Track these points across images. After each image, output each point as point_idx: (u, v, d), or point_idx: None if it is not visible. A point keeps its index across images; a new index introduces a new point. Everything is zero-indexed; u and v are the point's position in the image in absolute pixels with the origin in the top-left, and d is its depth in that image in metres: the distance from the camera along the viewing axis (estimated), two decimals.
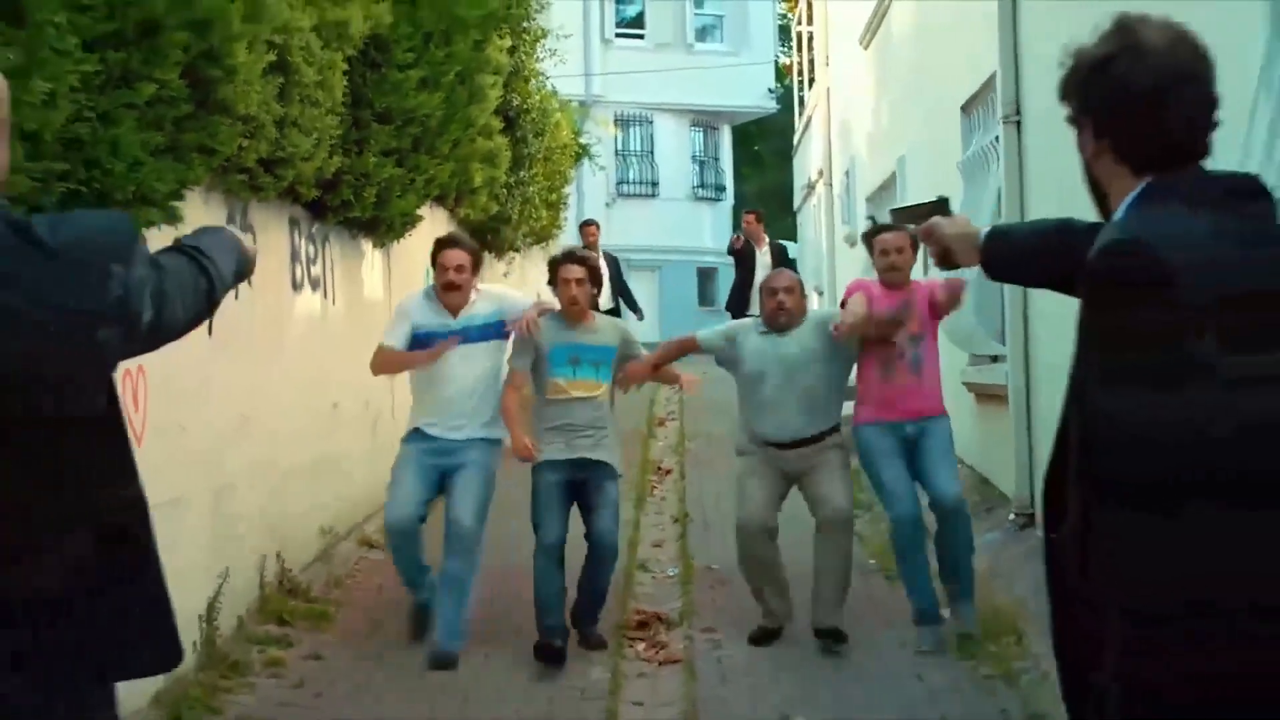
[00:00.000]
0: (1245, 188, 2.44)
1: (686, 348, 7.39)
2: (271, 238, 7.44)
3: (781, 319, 6.97)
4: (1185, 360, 2.23)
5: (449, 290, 6.94)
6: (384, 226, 9.34)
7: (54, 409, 2.21)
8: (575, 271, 6.99)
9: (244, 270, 2.83)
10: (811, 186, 23.23)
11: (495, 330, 7.03)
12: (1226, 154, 4.42)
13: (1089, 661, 2.50)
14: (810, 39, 23.05)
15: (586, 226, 15.50)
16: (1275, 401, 2.38)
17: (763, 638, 6.90)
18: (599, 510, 6.88)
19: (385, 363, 7.15)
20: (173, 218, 5.49)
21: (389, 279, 10.09)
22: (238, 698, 5.96)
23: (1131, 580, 2.31)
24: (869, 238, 7.16)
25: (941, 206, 3.52)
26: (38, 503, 2.18)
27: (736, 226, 20.64)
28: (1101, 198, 2.56)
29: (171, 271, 2.48)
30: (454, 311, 6.96)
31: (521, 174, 14.60)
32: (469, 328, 6.95)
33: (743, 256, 15.76)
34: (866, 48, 15.20)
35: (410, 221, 9.75)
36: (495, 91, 11.50)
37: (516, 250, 16.21)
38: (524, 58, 14.05)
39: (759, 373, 6.94)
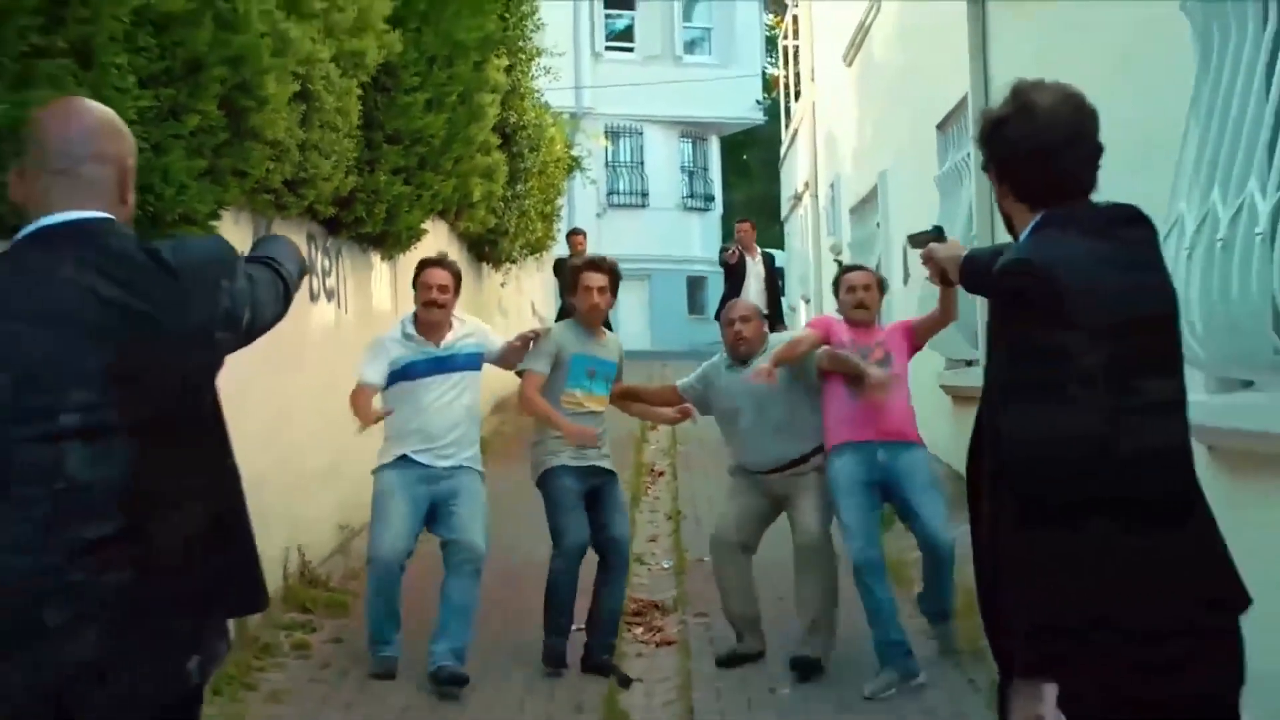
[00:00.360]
0: (1125, 215, 2.99)
1: (667, 398, 7.39)
2: None
3: (741, 348, 6.96)
4: (1080, 379, 2.74)
5: (430, 308, 6.76)
6: (392, 240, 9.88)
7: (192, 400, 2.77)
8: (598, 279, 6.90)
9: (303, 272, 3.39)
10: (798, 198, 23.77)
11: (476, 361, 6.92)
12: (1165, 172, 4.99)
13: (1006, 662, 2.99)
14: (797, 53, 23.62)
15: (574, 235, 15.71)
16: (1167, 426, 2.91)
17: (730, 660, 6.82)
18: (614, 515, 6.92)
19: (360, 408, 6.67)
20: (208, 233, 6.02)
21: (396, 290, 10.61)
22: (269, 675, 6.48)
23: (1036, 596, 2.75)
24: (837, 278, 7.18)
25: (939, 234, 4.08)
26: (178, 475, 2.73)
27: (726, 236, 20.63)
28: (1010, 226, 3.12)
29: (260, 281, 3.05)
30: (436, 339, 6.80)
31: (518, 188, 15.17)
32: (455, 355, 6.84)
33: (734, 267, 15.55)
34: (850, 65, 15.76)
35: (416, 235, 10.29)
36: (493, 110, 12.10)
37: (513, 261, 16.76)
38: (520, 76, 14.62)
39: (733, 409, 6.94)
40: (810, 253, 21.34)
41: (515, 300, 17.68)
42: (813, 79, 20.87)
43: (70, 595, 2.55)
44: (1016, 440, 2.80)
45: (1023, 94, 3.05)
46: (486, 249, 15.13)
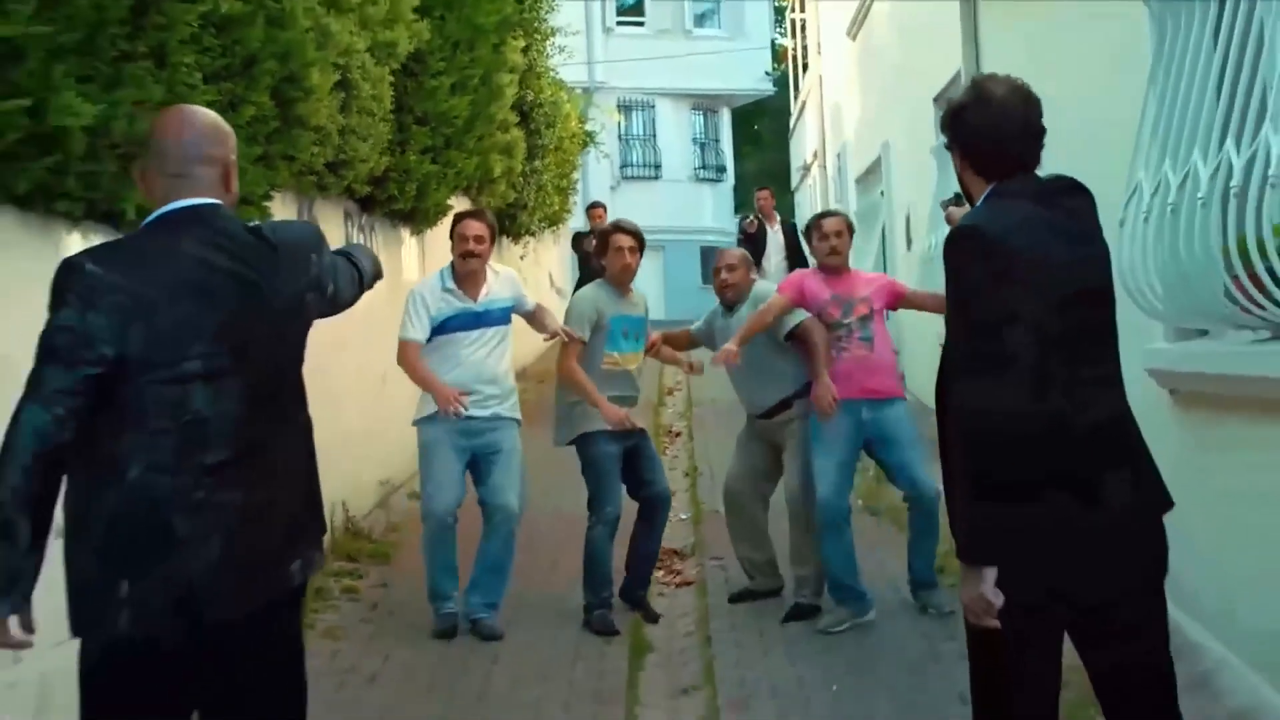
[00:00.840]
0: (1065, 186, 3.56)
1: (681, 341, 7.75)
2: (330, 229, 8.56)
3: (728, 294, 7.32)
4: (1030, 351, 3.21)
5: (467, 258, 6.97)
6: (420, 216, 10.49)
7: (288, 353, 3.39)
8: (628, 240, 7.19)
9: (378, 272, 4.02)
10: (807, 168, 24.31)
11: (507, 316, 7.17)
12: (1127, 145, 5.54)
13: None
14: (804, 25, 24.13)
15: (594, 209, 16.03)
16: (1113, 398, 3.47)
17: (742, 597, 7.35)
18: (654, 471, 7.30)
19: (408, 361, 7.04)
20: (264, 216, 6.62)
21: (424, 264, 11.21)
22: (324, 616, 7.10)
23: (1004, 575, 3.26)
24: (809, 226, 7.44)
25: (959, 200, 4.71)
26: (279, 414, 3.35)
27: (739, 206, 20.68)
28: (969, 195, 3.71)
29: (340, 265, 3.68)
30: (474, 294, 7.02)
31: (535, 163, 15.76)
32: (491, 310, 7.07)
33: (754, 236, 15.02)
34: (854, 39, 16.29)
35: (442, 211, 10.90)
36: (511, 89, 12.69)
37: (531, 234, 17.34)
38: (536, 55, 15.20)
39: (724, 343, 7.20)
40: None
41: (533, 272, 18.25)
42: (819, 52, 21.40)
43: (196, 510, 3.14)
44: (969, 413, 3.27)
45: (980, 86, 3.64)
46: (506, 223, 15.71)
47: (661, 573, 8.15)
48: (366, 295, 4.00)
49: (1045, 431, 3.24)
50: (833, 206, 19.89)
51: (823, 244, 7.15)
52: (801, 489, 7.09)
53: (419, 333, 7.00)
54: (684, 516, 9.63)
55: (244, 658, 3.28)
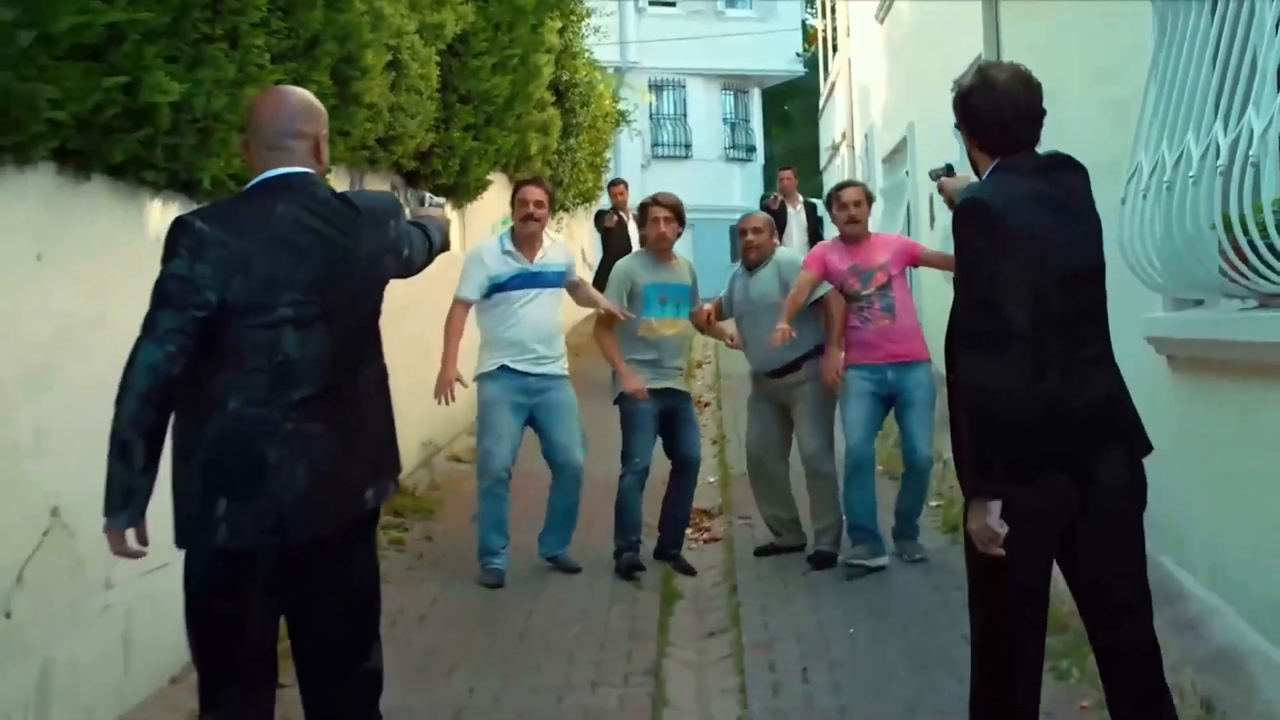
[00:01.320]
0: (1060, 162, 3.98)
1: (717, 311, 8.05)
2: None
3: (751, 255, 7.78)
4: (1031, 330, 3.60)
5: (528, 221, 7.43)
6: (462, 190, 10.94)
7: (367, 305, 3.83)
8: (663, 211, 7.66)
9: (446, 243, 4.47)
10: (835, 148, 24.64)
11: (561, 280, 7.62)
12: (1128, 128, 5.92)
13: None
14: (834, 8, 24.46)
15: (615, 186, 15.90)
16: (1108, 376, 3.88)
17: (766, 551, 7.89)
18: (688, 434, 7.80)
19: (453, 325, 7.55)
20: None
21: (464, 236, 11.65)
22: None
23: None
24: (829, 196, 7.99)
25: (950, 170, 5.13)
26: (358, 358, 3.79)
27: (768, 186, 20.67)
28: (976, 170, 4.12)
29: (414, 233, 4.13)
30: (531, 256, 7.46)
31: (570, 141, 16.20)
32: (545, 272, 7.51)
33: (776, 215, 14.65)
34: (881, 22, 16.65)
35: (483, 186, 11.37)
36: (548, 69, 13.13)
37: (566, 210, 17.78)
38: (572, 36, 15.62)
39: (741, 313, 7.86)
40: None
41: (568, 247, 18.66)
42: (848, 34, 21.74)
43: (285, 440, 3.58)
44: (972, 390, 3.67)
45: (985, 72, 4.05)
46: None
47: (691, 530, 8.60)
48: None
49: (1043, 414, 3.64)
50: None
51: (842, 213, 7.63)
52: (816, 450, 7.61)
53: (471, 292, 7.49)
54: (711, 480, 10.09)
55: (325, 568, 3.72)
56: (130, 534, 3.52)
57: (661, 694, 5.74)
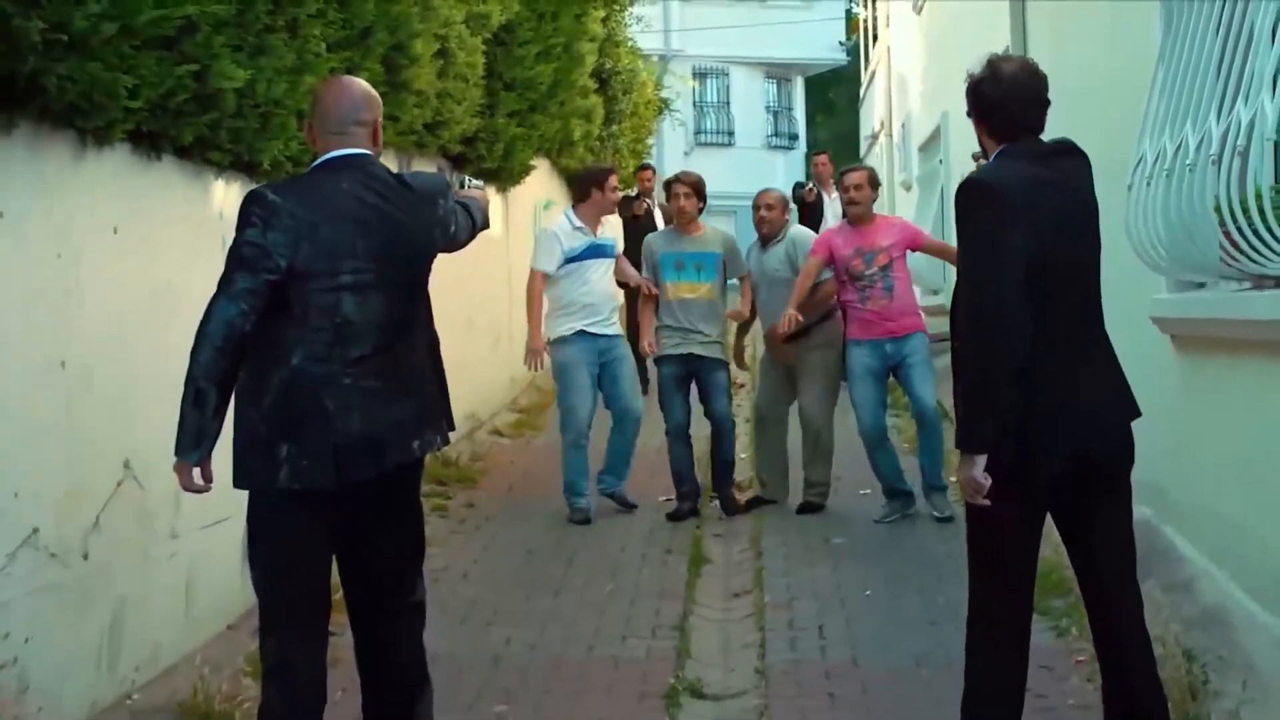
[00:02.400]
0: (1063, 148, 4.30)
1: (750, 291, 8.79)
2: None
3: (764, 229, 8.61)
4: (1017, 307, 3.89)
5: (613, 205, 8.76)
6: (506, 174, 11.35)
7: (419, 274, 4.22)
8: (682, 188, 8.52)
9: (487, 223, 4.84)
10: (875, 137, 24.91)
11: (613, 251, 8.60)
12: (1135, 115, 6.22)
13: None
14: None
15: (643, 171, 16.04)
16: (1095, 360, 4.18)
17: (752, 504, 8.72)
18: (713, 397, 8.56)
19: (535, 295, 8.38)
20: None
21: (507, 219, 12.06)
22: None
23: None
24: (837, 179, 8.77)
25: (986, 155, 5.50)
26: (410, 322, 4.18)
27: (809, 174, 20.37)
28: (986, 155, 4.45)
29: (459, 211, 4.51)
30: (596, 231, 8.43)
31: (613, 128, 16.56)
32: (606, 244, 8.52)
33: (810, 206, 13.94)
34: (919, 13, 16.94)
35: (526, 171, 11.78)
36: (591, 57, 13.53)
37: None
38: (615, 25, 15.97)
39: (756, 284, 8.65)
40: (885, 187, 22.52)
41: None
42: (888, 24, 22.02)
43: (342, 391, 3.98)
44: (965, 363, 4.04)
45: (993, 63, 4.37)
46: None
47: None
48: None
49: (1031, 391, 3.95)
50: (897, 173, 20.56)
51: (843, 196, 8.45)
52: (817, 413, 8.44)
53: (550, 265, 8.37)
54: (743, 456, 10.44)
55: (375, 508, 4.14)
56: (197, 472, 3.95)
57: (686, 646, 6.11)
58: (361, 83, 4.36)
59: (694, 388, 8.61)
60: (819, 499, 8.50)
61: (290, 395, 3.95)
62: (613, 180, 8.56)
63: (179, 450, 3.92)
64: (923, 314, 8.60)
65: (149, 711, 4.96)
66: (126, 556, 5.07)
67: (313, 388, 3.95)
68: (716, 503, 8.90)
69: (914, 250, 8.43)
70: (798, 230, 8.80)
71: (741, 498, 8.96)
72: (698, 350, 8.43)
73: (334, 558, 4.21)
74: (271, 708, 4.03)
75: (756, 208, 8.65)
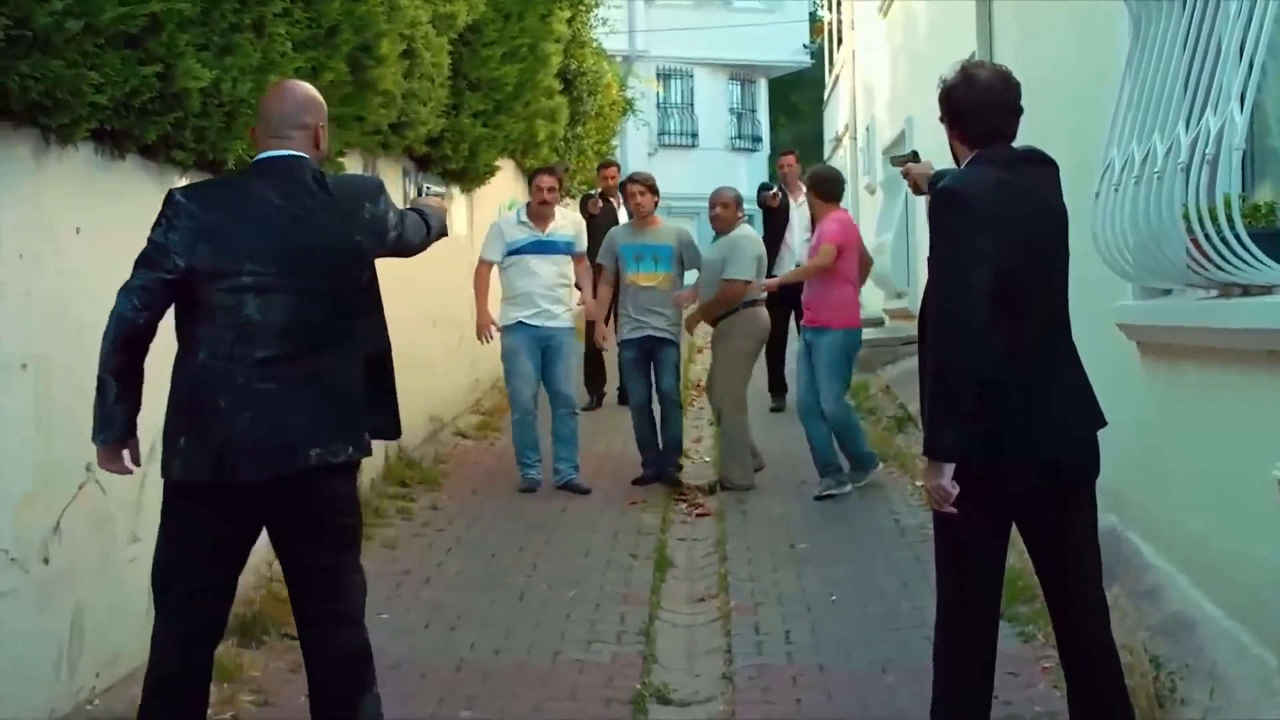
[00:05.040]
0: (1032, 157, 4.29)
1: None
2: (390, 185, 9.31)
3: (716, 226, 9.43)
4: (983, 314, 3.89)
5: (542, 205, 9.08)
6: (471, 175, 11.29)
7: (343, 281, 4.17)
8: (637, 187, 9.54)
9: (444, 230, 4.83)
10: (839, 140, 24.96)
11: (569, 248, 9.23)
12: (1103, 121, 6.23)
13: None
14: (840, 1, 24.76)
15: (605, 169, 16.04)
16: (1054, 366, 4.19)
17: (715, 487, 9.33)
18: (662, 374, 9.46)
19: (480, 281, 9.18)
20: (338, 170, 7.40)
21: (472, 219, 12.00)
22: (382, 531, 7.90)
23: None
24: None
25: (915, 157, 5.46)
26: (325, 326, 4.13)
27: (773, 176, 19.77)
28: (956, 160, 4.45)
29: (409, 218, 4.49)
30: (542, 227, 9.09)
31: (577, 129, 16.53)
32: (554, 241, 9.11)
33: (775, 211, 12.62)
34: (884, 16, 16.98)
35: (491, 171, 11.73)
36: (557, 58, 13.46)
37: (572, 197, 18.07)
38: (580, 26, 15.93)
39: (702, 271, 9.46)
40: (850, 191, 22.55)
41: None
42: (853, 27, 22.06)
43: (236, 390, 3.98)
44: (934, 361, 4.01)
45: (967, 70, 4.37)
46: None
47: (685, 505, 9.02)
48: None
49: (1001, 400, 3.95)
50: (861, 177, 20.60)
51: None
52: (721, 390, 9.38)
53: (493, 254, 9.17)
54: (707, 460, 10.44)
55: (293, 514, 4.14)
56: (125, 454, 4.11)
57: (652, 651, 6.10)
58: (305, 86, 4.37)
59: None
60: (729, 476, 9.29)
61: (194, 390, 4.03)
62: (540, 180, 9.16)
63: (93, 435, 4.07)
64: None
65: (108, 718, 4.90)
66: (87, 561, 5.01)
67: (211, 384, 4.01)
68: (682, 505, 9.07)
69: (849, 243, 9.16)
70: (742, 228, 9.52)
71: (705, 502, 8.99)
72: (654, 332, 9.30)
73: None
74: (148, 671, 4.16)
75: (711, 206, 9.46)
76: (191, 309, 4.01)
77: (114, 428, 4.04)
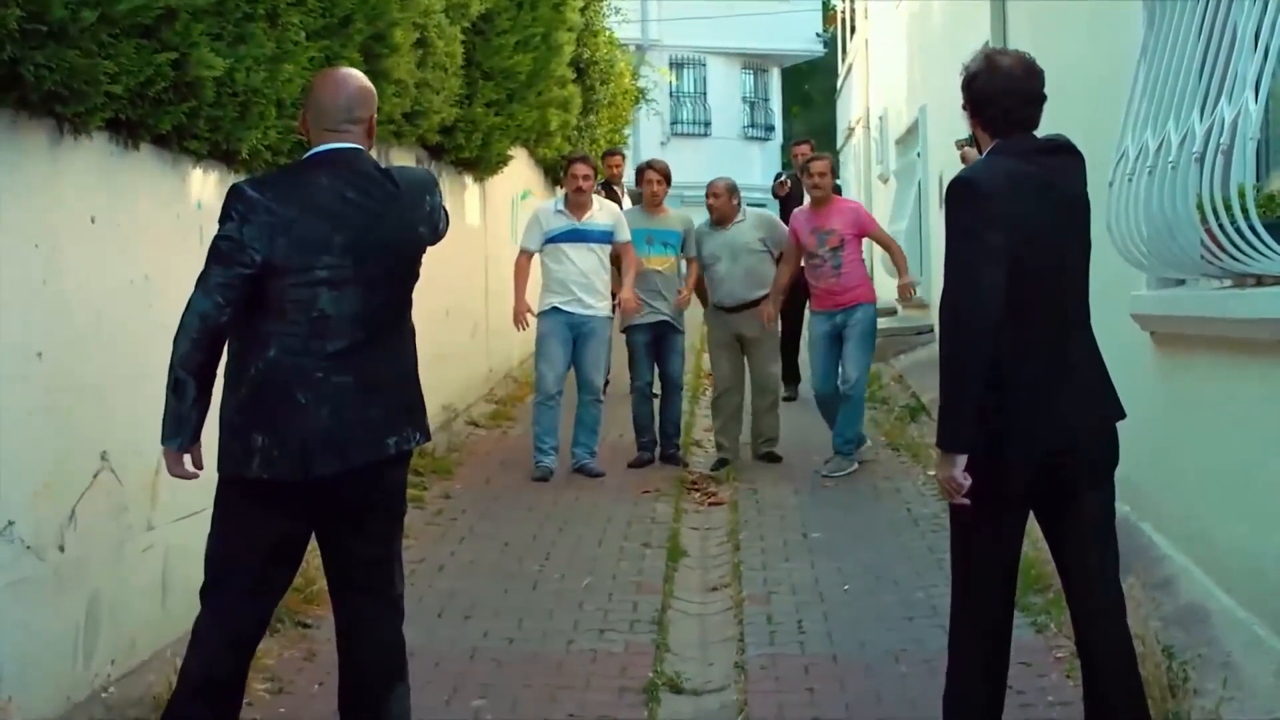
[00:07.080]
0: (1053, 146, 4.26)
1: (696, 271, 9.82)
2: None
3: (714, 215, 9.57)
4: (995, 306, 3.87)
5: (578, 193, 9.18)
6: (484, 164, 11.30)
7: (407, 272, 4.19)
8: (654, 175, 9.78)
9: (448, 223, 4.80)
10: (852, 129, 24.93)
11: (606, 237, 9.28)
12: (1117, 112, 6.22)
13: None
14: None
15: (611, 157, 15.95)
16: (1073, 359, 4.17)
17: (718, 465, 9.64)
18: (668, 357, 9.75)
19: (519, 270, 9.38)
20: None
21: (484, 209, 12.01)
22: None
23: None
24: (801, 168, 9.97)
25: (973, 141, 5.54)
26: (390, 320, 4.15)
27: (785, 165, 20.11)
28: (979, 149, 4.43)
29: (443, 207, 4.47)
30: (579, 216, 9.20)
31: (590, 118, 16.51)
32: (590, 229, 9.21)
33: (788, 199, 12.46)
34: (898, 6, 16.94)
35: (504, 160, 11.74)
36: (569, 47, 13.45)
37: None
38: (593, 15, 15.92)
39: (714, 257, 9.52)
40: (863, 180, 22.58)
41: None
42: (866, 17, 22.02)
43: (313, 384, 3.97)
44: (944, 357, 4.03)
45: (990, 57, 4.34)
46: (561, 174, 16.41)
47: (698, 494, 9.03)
48: None
49: (1007, 391, 3.95)
50: (874, 166, 20.58)
51: (809, 181, 9.40)
52: (770, 373, 9.64)
53: (532, 244, 9.31)
54: (705, 414, 10.54)
55: (355, 504, 4.12)
56: (186, 459, 4.02)
57: (664, 640, 6.11)
58: (358, 77, 4.32)
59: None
60: (768, 446, 9.72)
61: (265, 386, 3.97)
62: (575, 168, 9.27)
63: (163, 437, 3.98)
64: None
65: (124, 705, 4.92)
66: (102, 549, 5.01)
67: (285, 380, 3.96)
68: (695, 494, 9.09)
69: (862, 237, 9.41)
70: (751, 211, 9.82)
71: (718, 491, 9.02)
72: (663, 317, 9.58)
73: (315, 548, 4.26)
74: (188, 668, 4.11)
75: (707, 195, 9.59)
76: (260, 303, 3.95)
77: (188, 431, 3.99)
